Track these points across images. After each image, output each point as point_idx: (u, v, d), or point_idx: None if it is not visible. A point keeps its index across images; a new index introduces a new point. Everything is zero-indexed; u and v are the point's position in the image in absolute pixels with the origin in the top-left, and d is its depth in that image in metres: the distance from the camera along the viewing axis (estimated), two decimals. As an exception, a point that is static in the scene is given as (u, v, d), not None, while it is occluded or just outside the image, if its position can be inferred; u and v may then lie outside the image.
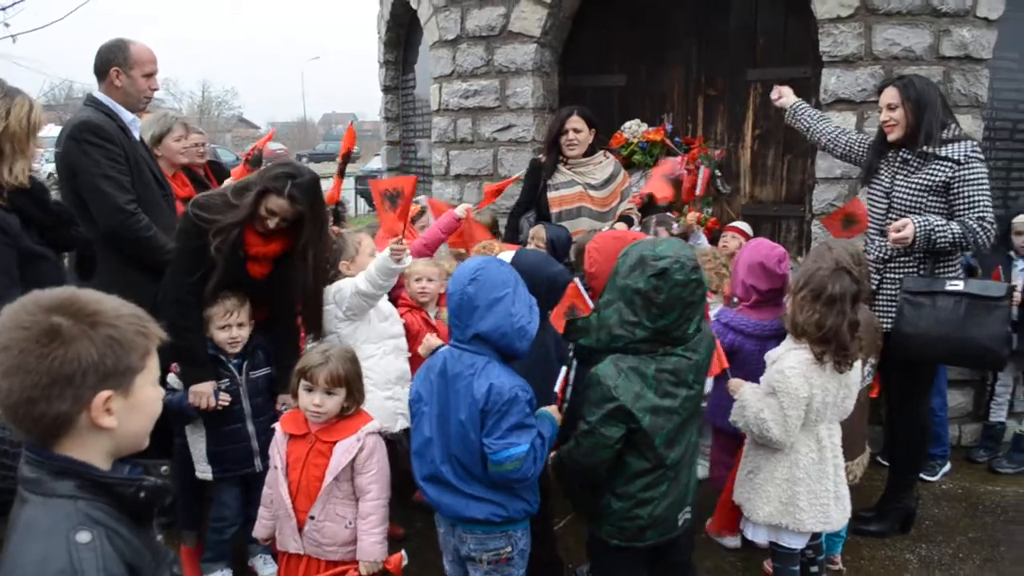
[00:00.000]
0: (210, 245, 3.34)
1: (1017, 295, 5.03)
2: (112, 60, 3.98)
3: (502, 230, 5.60)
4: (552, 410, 2.90)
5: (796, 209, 5.82)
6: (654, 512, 2.87)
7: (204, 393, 3.47)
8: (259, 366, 3.63)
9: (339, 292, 3.76)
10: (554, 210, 5.20)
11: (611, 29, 6.19)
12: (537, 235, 4.91)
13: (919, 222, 3.92)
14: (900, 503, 4.34)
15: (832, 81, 5.22)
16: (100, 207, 3.78)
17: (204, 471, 3.59)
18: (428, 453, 2.76)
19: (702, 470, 4.38)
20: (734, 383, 3.31)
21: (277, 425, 3.19)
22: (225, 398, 3.51)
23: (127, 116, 4.03)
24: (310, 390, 3.04)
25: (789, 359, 3.10)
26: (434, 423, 2.74)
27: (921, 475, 4.74)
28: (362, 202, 19.84)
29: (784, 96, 4.95)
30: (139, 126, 4.18)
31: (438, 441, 2.73)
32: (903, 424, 4.28)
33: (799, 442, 3.15)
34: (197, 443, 3.60)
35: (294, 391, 3.11)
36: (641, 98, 6.18)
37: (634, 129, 5.93)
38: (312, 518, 3.06)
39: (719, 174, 5.93)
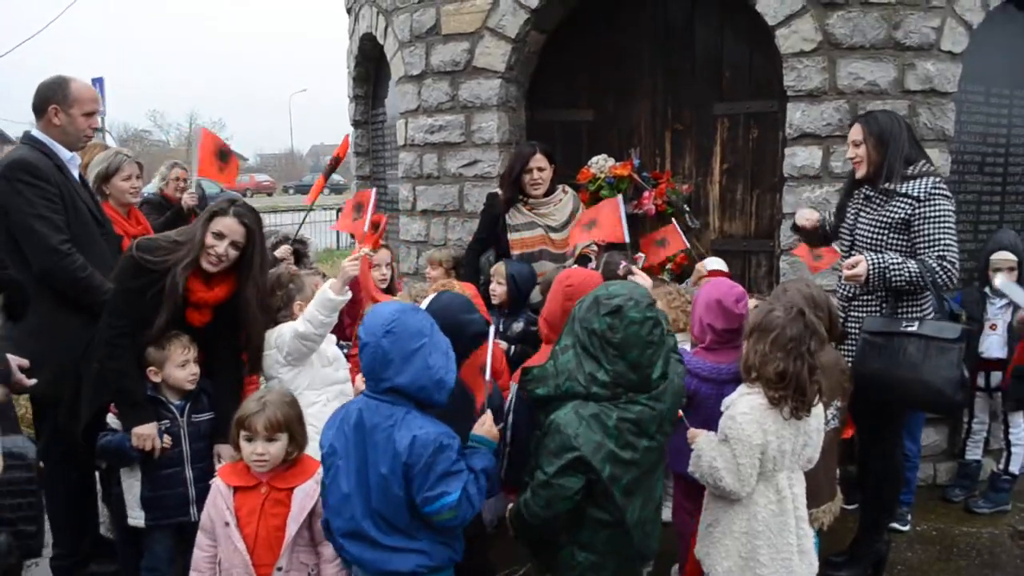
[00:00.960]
0: (154, 286, 3.32)
1: (997, 335, 4.96)
2: (51, 98, 3.93)
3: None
4: (487, 427, 2.79)
5: (766, 244, 5.73)
6: (617, 566, 2.79)
7: (148, 436, 3.38)
8: (202, 410, 3.56)
9: (279, 336, 3.65)
10: (515, 252, 5.10)
11: (578, 63, 6.13)
12: (498, 272, 4.81)
13: (873, 259, 3.83)
14: (871, 547, 4.20)
15: (797, 116, 5.16)
16: (33, 247, 3.72)
17: (136, 518, 3.49)
18: (347, 509, 2.64)
19: (666, 511, 4.23)
20: (691, 432, 3.19)
21: (216, 480, 3.05)
22: (167, 440, 3.42)
23: (65, 154, 3.98)
24: (250, 439, 2.95)
25: (741, 404, 2.98)
26: (352, 478, 2.62)
27: (892, 524, 4.60)
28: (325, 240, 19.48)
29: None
30: (77, 164, 4.12)
31: (357, 496, 2.62)
32: (873, 465, 4.16)
33: (757, 492, 3.02)
34: (132, 488, 3.50)
35: (234, 441, 3.01)
36: (609, 132, 6.09)
37: (601, 164, 5.85)
38: (280, 569, 2.96)
39: (687, 209, 5.87)
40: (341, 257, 15.36)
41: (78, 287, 3.74)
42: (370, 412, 2.58)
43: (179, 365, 3.45)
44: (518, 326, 4.64)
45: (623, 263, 4.88)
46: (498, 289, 4.75)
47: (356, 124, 8.31)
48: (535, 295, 4.82)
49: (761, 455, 2.95)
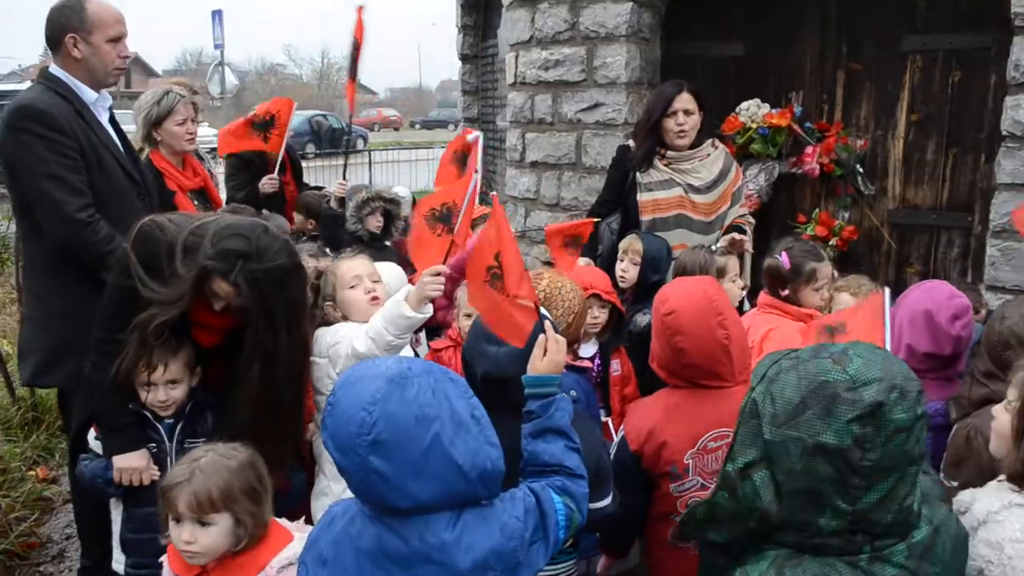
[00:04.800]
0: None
1: None
2: (65, 25, 3.23)
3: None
4: (550, 355, 1.98)
5: (961, 219, 4.72)
6: None
7: (132, 469, 2.66)
8: (198, 433, 2.74)
9: (333, 345, 2.82)
10: (645, 217, 4.08)
11: (729, -15, 5.23)
12: (632, 248, 3.79)
13: None
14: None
15: (1028, 53, 4.03)
16: (47, 215, 3.11)
17: (118, 561, 2.77)
18: None
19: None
20: None
21: (164, 561, 2.23)
22: (155, 471, 2.68)
23: (89, 95, 3.30)
24: (178, 520, 2.09)
25: (1011, 523, 1.83)
26: None
27: None
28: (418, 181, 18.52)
29: None
30: (107, 105, 3.43)
31: None
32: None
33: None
34: (116, 523, 2.80)
35: (162, 519, 2.15)
36: (764, 72, 5.22)
37: (753, 111, 5.08)
38: None
39: (860, 170, 4.93)
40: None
41: (102, 264, 3.07)
42: (393, 537, 1.63)
43: (143, 385, 2.66)
44: (643, 319, 3.62)
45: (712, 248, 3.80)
46: (630, 270, 3.75)
47: (464, 58, 7.68)
48: (668, 278, 3.81)
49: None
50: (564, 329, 2.86)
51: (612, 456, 2.49)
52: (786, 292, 3.33)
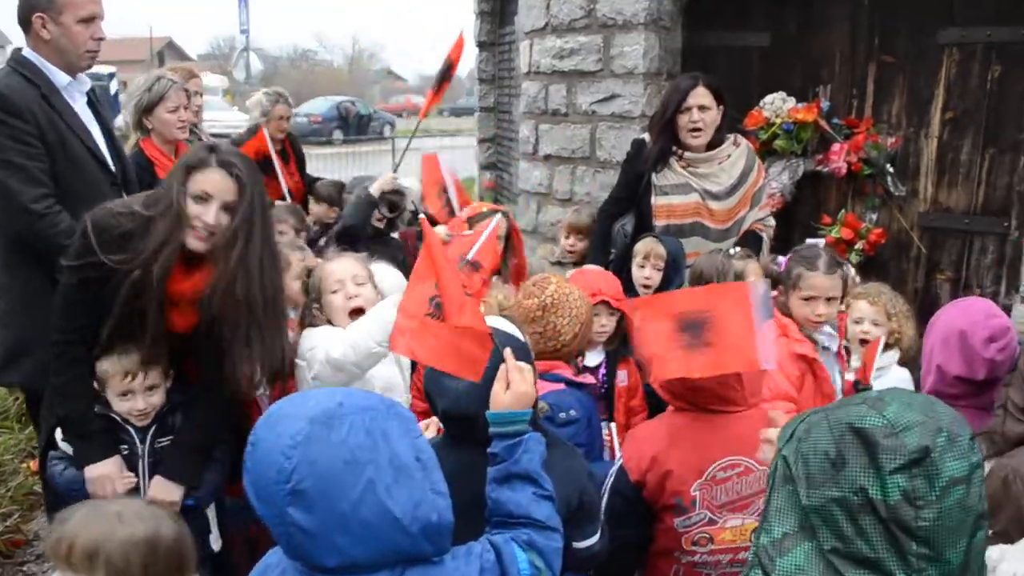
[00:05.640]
0: (117, 276, 2.36)
1: None
2: (34, 4, 3.08)
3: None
4: (516, 385, 1.75)
5: (997, 223, 4.45)
6: None
7: (106, 478, 2.50)
8: (169, 433, 2.61)
9: (311, 349, 2.66)
10: (659, 221, 3.86)
11: (754, -29, 5.01)
12: (654, 253, 3.59)
13: None
14: None
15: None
16: (1, 206, 2.98)
17: None
18: None
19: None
20: None
21: None
22: (130, 479, 2.53)
23: (60, 79, 3.14)
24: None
25: None
26: None
27: None
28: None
29: None
30: (84, 89, 3.27)
31: None
32: None
33: None
34: None
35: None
36: (790, 64, 4.96)
37: (777, 105, 4.82)
38: None
39: (891, 170, 4.66)
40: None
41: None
42: None
43: (119, 395, 2.50)
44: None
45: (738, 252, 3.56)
46: (654, 276, 3.54)
47: (481, 45, 7.43)
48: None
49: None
50: (569, 339, 2.68)
51: (609, 486, 2.28)
52: (777, 295, 3.09)
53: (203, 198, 2.34)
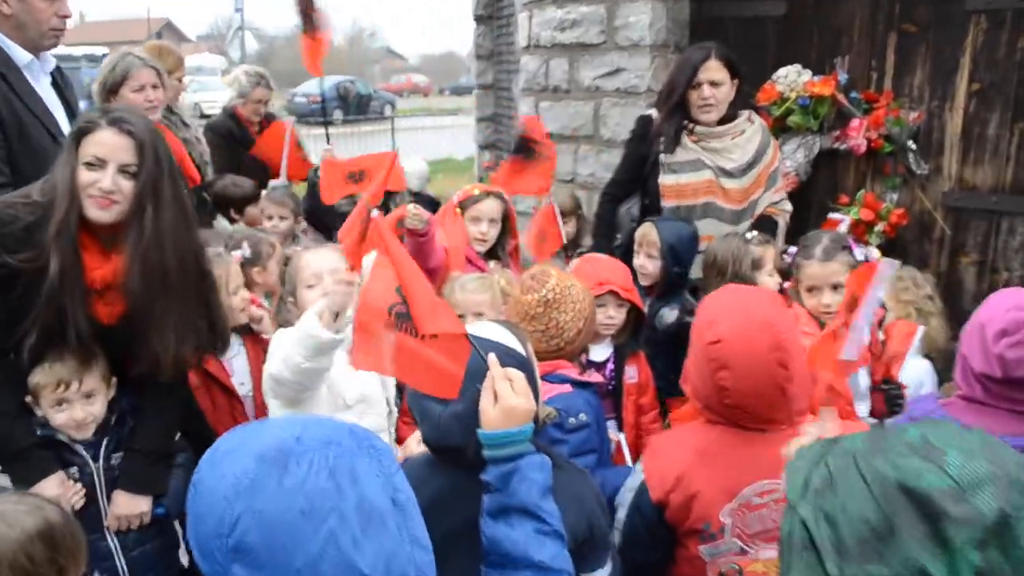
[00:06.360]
0: (25, 274, 2.14)
1: None
2: None
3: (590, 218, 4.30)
4: (512, 402, 1.52)
5: None
6: None
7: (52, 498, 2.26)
8: (123, 445, 2.43)
9: (269, 355, 2.43)
10: (668, 203, 3.64)
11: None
12: (647, 239, 3.37)
13: None
14: None
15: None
16: None
17: None
18: None
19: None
20: None
21: None
22: (78, 493, 2.34)
23: (21, 57, 2.97)
24: None
25: None
26: None
27: None
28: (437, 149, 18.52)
29: None
30: (48, 69, 3.11)
31: None
32: None
33: None
34: None
35: None
36: (805, 35, 4.76)
37: (792, 79, 4.61)
38: None
39: (913, 147, 4.43)
40: (456, 171, 13.77)
41: None
42: None
43: (53, 406, 2.29)
44: (670, 316, 3.19)
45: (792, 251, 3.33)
46: (648, 265, 3.32)
47: (479, 19, 7.27)
48: (695, 270, 3.40)
49: None
50: (573, 336, 2.45)
51: (629, 503, 2.04)
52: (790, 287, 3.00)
53: (96, 164, 2.12)
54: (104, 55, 11.07)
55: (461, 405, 1.51)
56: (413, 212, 3.05)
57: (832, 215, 4.16)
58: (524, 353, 1.63)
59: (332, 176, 3.71)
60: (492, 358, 1.50)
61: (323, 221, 4.17)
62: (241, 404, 2.95)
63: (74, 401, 2.27)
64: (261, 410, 2.98)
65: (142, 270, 2.14)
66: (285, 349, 2.22)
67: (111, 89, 3.62)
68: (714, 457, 1.94)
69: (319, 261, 2.57)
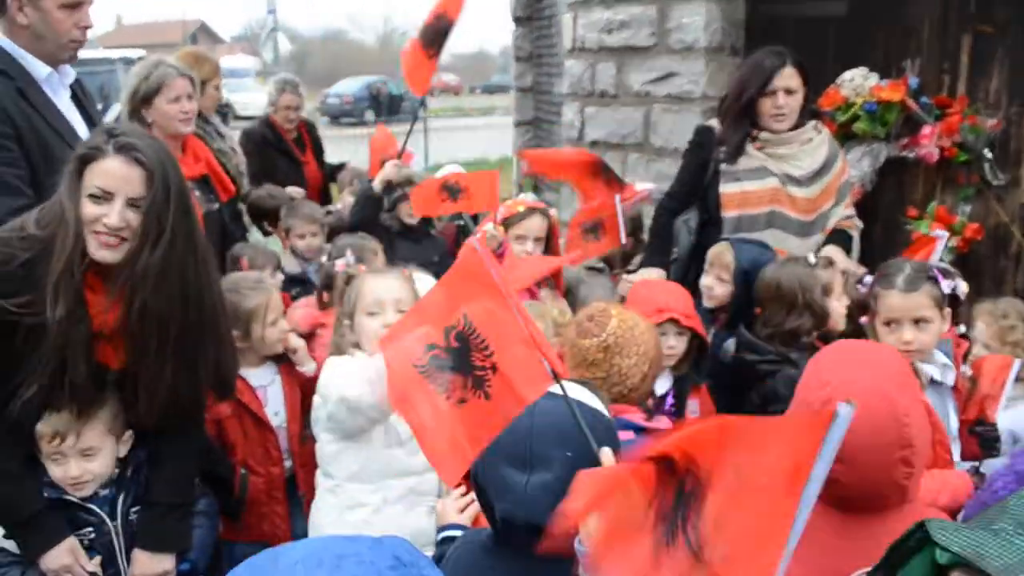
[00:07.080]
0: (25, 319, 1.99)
1: None
2: None
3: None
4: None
5: None
6: None
7: (66, 568, 2.16)
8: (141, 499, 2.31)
9: (327, 384, 2.35)
10: (730, 213, 3.43)
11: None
12: (721, 261, 3.11)
13: None
14: None
15: None
16: None
17: None
18: None
19: None
20: None
21: None
22: (94, 562, 2.20)
23: (39, 70, 2.83)
24: None
25: None
26: None
27: None
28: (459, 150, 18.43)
29: None
30: (67, 82, 2.97)
31: None
32: None
33: None
34: None
35: None
36: (871, 36, 4.63)
37: (858, 83, 4.47)
38: None
39: (990, 155, 4.24)
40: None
41: None
42: None
43: (50, 457, 2.15)
44: (731, 346, 2.95)
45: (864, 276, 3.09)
46: (717, 289, 3.07)
47: (518, 20, 7.26)
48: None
49: None
50: (637, 382, 2.24)
51: None
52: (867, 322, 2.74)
53: (102, 196, 1.95)
54: (140, 58, 11.12)
55: (551, 474, 1.31)
56: (492, 233, 2.95)
57: (930, 232, 3.90)
58: (609, 415, 1.43)
59: (426, 190, 3.73)
60: (607, 453, 1.29)
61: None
62: (274, 435, 2.84)
63: (69, 457, 2.13)
64: (294, 441, 2.90)
65: (139, 315, 1.99)
66: (372, 373, 2.09)
67: (144, 98, 3.49)
68: (811, 539, 1.68)
69: (384, 289, 2.43)
